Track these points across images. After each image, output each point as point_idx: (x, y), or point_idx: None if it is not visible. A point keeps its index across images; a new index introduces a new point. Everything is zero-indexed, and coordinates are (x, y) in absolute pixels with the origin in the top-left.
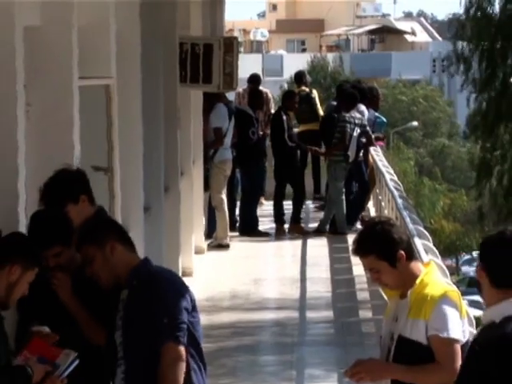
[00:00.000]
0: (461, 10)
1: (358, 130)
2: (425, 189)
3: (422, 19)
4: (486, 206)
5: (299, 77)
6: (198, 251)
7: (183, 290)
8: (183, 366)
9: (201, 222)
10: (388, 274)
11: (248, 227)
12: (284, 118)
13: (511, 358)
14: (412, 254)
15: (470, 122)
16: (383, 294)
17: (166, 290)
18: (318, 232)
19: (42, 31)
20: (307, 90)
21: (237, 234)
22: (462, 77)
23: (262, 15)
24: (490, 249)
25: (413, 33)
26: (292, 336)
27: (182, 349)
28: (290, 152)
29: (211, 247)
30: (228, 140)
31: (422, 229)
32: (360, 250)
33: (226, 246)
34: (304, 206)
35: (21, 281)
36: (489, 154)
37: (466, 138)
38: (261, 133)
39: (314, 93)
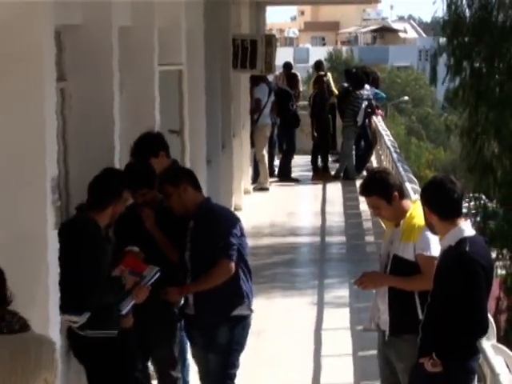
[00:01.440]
0: (441, 14)
1: (366, 103)
2: (412, 146)
3: (412, 21)
4: (457, 160)
5: (318, 64)
6: (246, 192)
7: (235, 220)
8: (226, 277)
9: (248, 171)
10: (386, 210)
11: (284, 175)
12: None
13: (469, 268)
14: (403, 194)
15: (448, 97)
16: (382, 224)
17: (221, 221)
18: (334, 178)
19: (132, 30)
20: (323, 73)
21: (275, 179)
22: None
23: (293, 18)
24: (429, 194)
25: (404, 31)
26: (315, 254)
27: (233, 264)
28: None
29: (256, 190)
30: (267, 110)
31: (411, 175)
32: (365, 191)
33: (266, 189)
34: None
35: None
36: (466, 122)
37: (443, 109)
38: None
39: (329, 75)
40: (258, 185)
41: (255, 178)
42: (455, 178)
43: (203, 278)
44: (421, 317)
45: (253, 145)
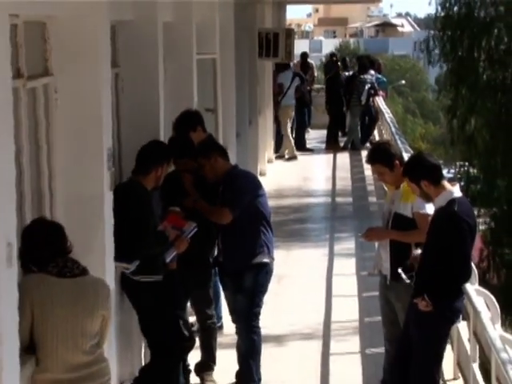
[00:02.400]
0: (433, 12)
1: (369, 85)
2: (408, 122)
3: (408, 17)
4: (445, 134)
5: (332, 54)
6: (269, 161)
7: (256, 183)
8: (220, 222)
9: (271, 143)
10: (388, 175)
11: (300, 146)
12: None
13: (457, 225)
14: (403, 162)
15: (438, 81)
16: (385, 187)
17: (241, 183)
18: (343, 149)
19: (173, 25)
20: (335, 58)
21: None
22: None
23: (309, 15)
24: (422, 169)
25: (402, 26)
26: (327, 212)
27: (230, 216)
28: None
29: (286, 159)
30: (290, 92)
31: (407, 147)
32: (371, 160)
33: (295, 157)
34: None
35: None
36: (453, 102)
37: (433, 92)
38: (308, 88)
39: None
40: (287, 154)
41: (277, 148)
42: (438, 149)
43: (210, 208)
44: (415, 265)
45: (276, 121)
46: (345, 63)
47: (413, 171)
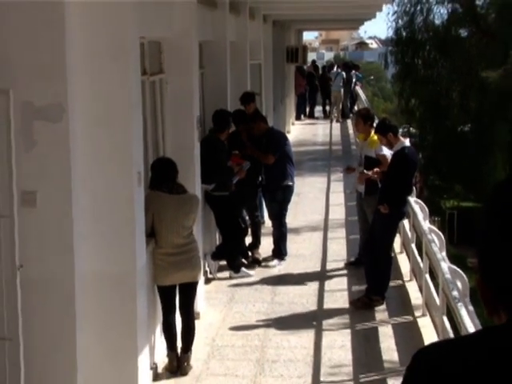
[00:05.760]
0: (390, 35)
1: (354, 79)
2: (374, 102)
3: (375, 39)
4: (396, 108)
5: (330, 63)
6: (292, 124)
7: (285, 137)
8: (268, 163)
9: (293, 114)
10: (361, 126)
11: (311, 115)
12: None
13: (406, 163)
14: (371, 124)
15: (393, 77)
16: (357, 140)
17: (277, 138)
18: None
19: (235, 43)
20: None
21: (307, 117)
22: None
23: (316, 37)
24: (390, 126)
25: (372, 44)
26: (326, 155)
27: (273, 159)
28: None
29: (338, 122)
30: (335, 83)
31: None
32: (356, 114)
33: (339, 121)
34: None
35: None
36: (401, 89)
37: (390, 83)
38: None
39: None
40: (335, 118)
41: (297, 117)
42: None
43: (261, 154)
44: (379, 186)
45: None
46: (348, 66)
47: (383, 127)
